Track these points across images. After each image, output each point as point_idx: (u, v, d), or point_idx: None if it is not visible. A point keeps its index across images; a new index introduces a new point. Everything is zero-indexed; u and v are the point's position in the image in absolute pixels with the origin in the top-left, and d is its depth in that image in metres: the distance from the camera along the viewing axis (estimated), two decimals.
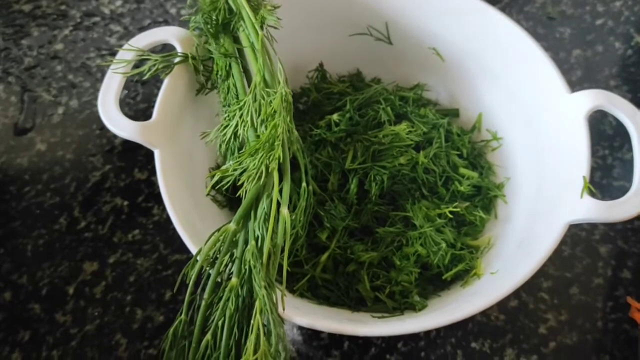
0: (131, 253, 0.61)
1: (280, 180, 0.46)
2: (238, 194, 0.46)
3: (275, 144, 0.46)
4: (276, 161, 0.45)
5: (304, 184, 0.49)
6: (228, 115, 0.50)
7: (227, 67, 0.52)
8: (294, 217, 0.47)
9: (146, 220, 0.63)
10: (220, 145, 0.51)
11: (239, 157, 0.47)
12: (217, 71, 0.53)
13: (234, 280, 0.43)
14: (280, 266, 0.44)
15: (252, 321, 0.42)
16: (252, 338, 0.41)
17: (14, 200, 0.64)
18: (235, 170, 0.46)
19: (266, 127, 0.47)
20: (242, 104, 0.49)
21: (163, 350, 0.44)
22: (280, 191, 0.46)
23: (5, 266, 0.60)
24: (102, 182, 0.65)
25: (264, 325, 0.42)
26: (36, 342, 0.56)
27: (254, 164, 0.45)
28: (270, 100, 0.47)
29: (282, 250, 0.44)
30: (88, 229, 0.62)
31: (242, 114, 0.48)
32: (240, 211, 0.45)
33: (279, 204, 0.45)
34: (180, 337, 0.44)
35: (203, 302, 0.44)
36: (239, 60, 0.52)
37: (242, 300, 0.43)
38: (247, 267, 0.43)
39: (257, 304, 0.42)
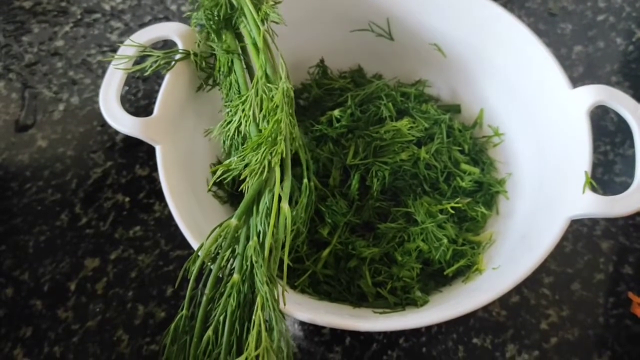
0: (132, 249, 0.61)
1: (282, 175, 0.46)
2: (240, 189, 0.46)
3: (278, 138, 0.45)
4: (279, 156, 0.45)
5: (305, 180, 0.49)
6: (231, 111, 0.50)
7: (229, 64, 0.52)
8: (294, 212, 0.47)
9: (147, 216, 0.63)
10: (224, 142, 0.50)
11: (242, 151, 0.47)
12: (219, 67, 0.53)
13: (235, 276, 0.43)
14: (281, 261, 0.44)
15: (253, 317, 0.42)
16: (253, 334, 0.41)
17: (16, 196, 0.64)
18: (238, 165, 0.46)
19: (268, 122, 0.47)
20: (244, 98, 0.49)
21: (164, 346, 0.44)
22: (282, 186, 0.46)
23: (7, 262, 0.60)
24: (103, 178, 0.65)
25: (265, 321, 0.42)
26: (38, 338, 0.56)
27: (257, 159, 0.45)
28: (272, 96, 0.47)
29: (283, 246, 0.44)
30: (89, 226, 0.62)
31: (244, 109, 0.48)
32: (242, 207, 0.45)
33: (280, 199, 0.45)
34: (181, 332, 0.44)
35: (204, 297, 0.44)
36: (241, 57, 0.52)
37: (244, 297, 0.43)
38: (248, 263, 0.43)
39: (258, 299, 0.42)
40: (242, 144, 0.50)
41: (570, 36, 0.77)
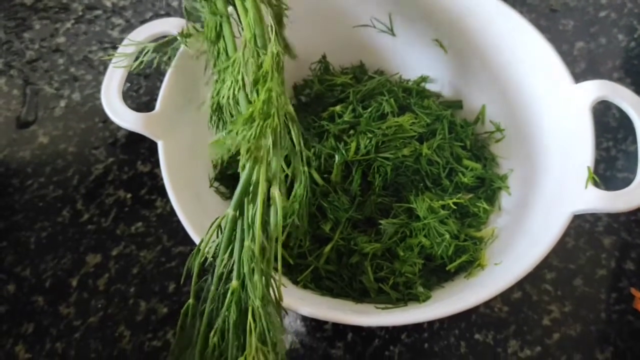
0: (134, 245, 0.61)
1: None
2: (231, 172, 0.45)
3: (272, 112, 0.41)
4: (274, 131, 0.42)
5: (300, 167, 0.46)
6: (219, 76, 0.46)
7: (218, 28, 0.48)
8: (290, 204, 0.45)
9: (149, 212, 0.63)
10: (211, 117, 0.47)
11: (233, 125, 0.42)
12: (207, 34, 0.49)
13: (234, 282, 0.42)
14: (283, 255, 0.42)
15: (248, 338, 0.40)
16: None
17: (17, 193, 0.64)
18: (233, 139, 0.42)
19: (258, 91, 0.43)
20: (232, 60, 0.45)
21: (178, 330, 0.44)
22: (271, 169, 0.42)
23: (9, 259, 0.60)
24: (105, 174, 0.65)
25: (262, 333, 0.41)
26: (40, 334, 0.56)
27: (252, 134, 0.41)
28: (261, 62, 0.44)
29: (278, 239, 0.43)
30: (91, 222, 0.62)
31: (233, 72, 0.44)
32: (238, 194, 0.42)
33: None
34: (190, 318, 0.43)
35: (210, 293, 0.43)
36: (230, 21, 0.48)
37: (244, 302, 0.42)
38: (244, 270, 0.42)
39: (249, 313, 0.40)
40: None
41: (572, 32, 0.77)
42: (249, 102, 0.44)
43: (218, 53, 0.48)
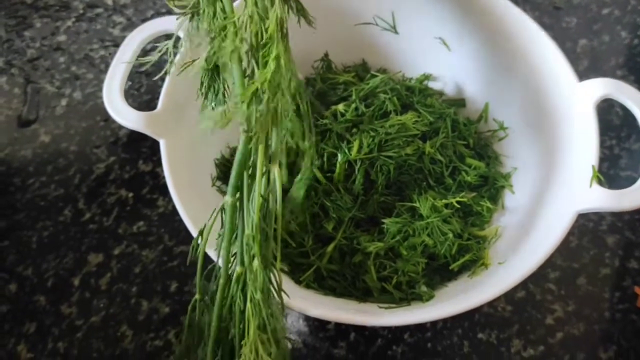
0: (136, 244, 0.61)
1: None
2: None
3: (283, 86, 0.38)
4: (287, 107, 0.38)
5: (306, 143, 0.42)
6: (218, 35, 0.41)
7: None
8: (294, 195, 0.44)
9: (151, 211, 0.63)
10: (202, 82, 0.43)
11: (242, 94, 0.38)
12: None
13: (239, 269, 0.41)
14: (282, 243, 0.41)
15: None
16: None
17: (19, 192, 0.64)
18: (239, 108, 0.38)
19: (262, 58, 0.40)
20: (237, 17, 0.40)
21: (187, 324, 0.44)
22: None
23: (11, 258, 0.60)
24: (106, 173, 0.65)
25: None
26: (42, 334, 0.56)
27: (263, 109, 0.37)
28: (265, 27, 0.40)
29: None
30: (93, 221, 0.62)
31: (240, 30, 0.40)
32: (234, 175, 0.39)
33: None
34: (199, 314, 0.43)
35: (218, 287, 0.42)
36: None
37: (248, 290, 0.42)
38: (248, 255, 0.41)
39: (248, 300, 0.39)
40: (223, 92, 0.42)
41: (575, 30, 0.76)
42: (244, 71, 0.40)
43: (214, 13, 0.43)
